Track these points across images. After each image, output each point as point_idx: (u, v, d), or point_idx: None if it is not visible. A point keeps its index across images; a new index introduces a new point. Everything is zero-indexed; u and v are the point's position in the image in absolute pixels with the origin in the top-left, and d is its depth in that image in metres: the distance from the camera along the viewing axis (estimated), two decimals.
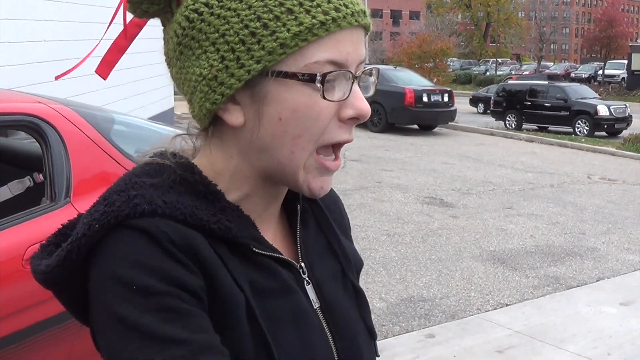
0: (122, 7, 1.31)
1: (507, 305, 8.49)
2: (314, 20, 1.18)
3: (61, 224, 1.33)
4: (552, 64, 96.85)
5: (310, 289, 1.37)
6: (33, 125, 4.37)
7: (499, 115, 33.67)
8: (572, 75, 79.60)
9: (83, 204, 4.17)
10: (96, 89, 9.47)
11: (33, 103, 4.61)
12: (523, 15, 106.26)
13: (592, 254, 10.87)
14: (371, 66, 1.32)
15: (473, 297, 8.65)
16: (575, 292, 9.12)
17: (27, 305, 3.98)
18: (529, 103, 32.70)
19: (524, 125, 32.59)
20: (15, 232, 4.08)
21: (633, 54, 61.58)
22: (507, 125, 32.72)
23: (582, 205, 14.42)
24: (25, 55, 8.60)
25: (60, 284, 1.23)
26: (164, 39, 1.32)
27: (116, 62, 1.37)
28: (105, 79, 1.37)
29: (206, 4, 1.22)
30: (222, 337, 1.16)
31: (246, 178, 1.30)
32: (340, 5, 1.21)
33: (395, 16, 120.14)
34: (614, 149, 24.21)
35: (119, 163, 4.59)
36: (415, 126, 26.73)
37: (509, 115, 33.23)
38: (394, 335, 7.28)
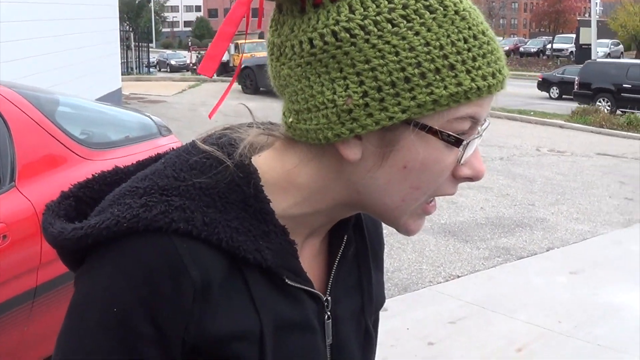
0: None
1: (458, 276, 8.55)
2: (472, 84, 1.10)
3: (92, 174, 1.27)
4: (502, 38, 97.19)
5: (328, 325, 1.31)
6: None
7: (587, 99, 29.93)
8: (521, 49, 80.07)
9: (29, 188, 4.12)
10: (41, 71, 9.37)
11: None
12: None
13: (542, 225, 10.98)
14: (489, 122, 1.23)
15: (425, 270, 8.69)
16: (526, 262, 9.21)
17: None
18: (629, 86, 29.24)
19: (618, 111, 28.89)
20: None
21: (581, 28, 62.00)
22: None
23: (531, 177, 14.55)
24: None
25: (64, 247, 1.17)
26: (284, 32, 1.17)
27: (223, 53, 1.22)
28: (211, 77, 1.22)
29: (362, 28, 1.08)
30: None
31: (331, 201, 1.22)
32: (496, 70, 1.14)
33: None
34: (562, 122, 24.46)
35: (64, 145, 4.53)
36: None
37: (601, 99, 30.17)
38: None
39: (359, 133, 1.11)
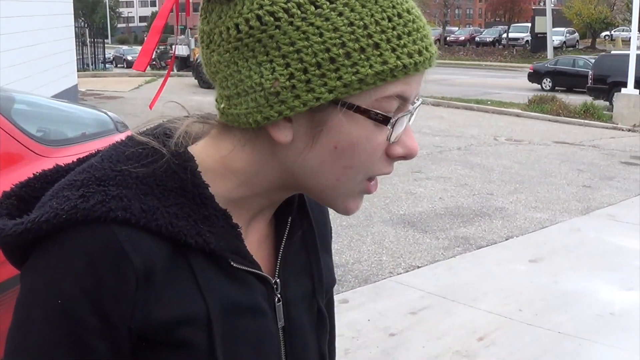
0: None
1: (418, 267, 8.55)
2: (398, 62, 1.10)
3: (33, 173, 1.26)
4: (457, 28, 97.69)
5: (279, 307, 1.31)
6: None
7: (603, 94, 28.35)
8: (477, 39, 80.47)
9: None
10: (4, 66, 9.27)
11: None
12: None
13: (501, 214, 11.03)
14: (421, 100, 1.24)
15: (385, 261, 8.69)
16: (485, 252, 9.25)
17: None
18: None
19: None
20: None
21: (536, 17, 62.53)
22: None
23: (489, 167, 14.62)
24: None
25: (8, 244, 1.16)
26: (212, 19, 1.18)
27: (155, 47, 1.26)
28: (144, 71, 1.24)
29: (286, 11, 1.09)
30: (169, 354, 1.14)
31: (267, 184, 1.23)
32: (423, 48, 1.14)
33: None
34: (519, 111, 24.66)
35: (21, 143, 4.48)
36: None
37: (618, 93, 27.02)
38: None
39: (287, 115, 1.12)
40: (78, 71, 19.82)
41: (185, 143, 1.22)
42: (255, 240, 1.31)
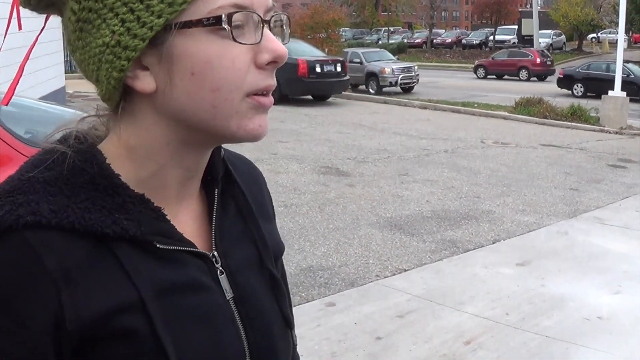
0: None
1: (405, 270, 8.53)
2: None
3: None
4: (444, 31, 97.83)
5: (223, 279, 1.31)
6: None
7: None
8: (464, 41, 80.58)
9: None
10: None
11: None
12: None
13: (488, 217, 11.02)
14: (280, 13, 1.25)
15: (372, 264, 8.66)
16: (472, 255, 9.23)
17: None
18: None
19: None
20: None
21: (523, 20, 62.88)
22: None
23: (476, 169, 14.61)
24: None
25: None
26: (64, 26, 1.24)
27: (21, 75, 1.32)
28: (6, 105, 1.26)
29: None
30: (116, 346, 1.15)
31: (163, 146, 1.23)
32: None
33: None
34: (506, 113, 24.66)
35: (9, 145, 4.48)
36: (309, 97, 26.87)
37: None
38: (294, 306, 7.17)
39: (134, 56, 1.15)
40: (66, 73, 19.73)
41: (92, 140, 1.25)
42: (188, 219, 1.32)
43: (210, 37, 1.14)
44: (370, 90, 32.25)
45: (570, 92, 35.36)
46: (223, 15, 1.13)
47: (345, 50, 37.09)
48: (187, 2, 1.12)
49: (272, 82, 1.21)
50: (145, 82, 1.17)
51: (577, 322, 7.01)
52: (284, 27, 1.27)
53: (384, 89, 32.12)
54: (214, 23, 1.13)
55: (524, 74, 46.13)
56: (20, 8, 1.29)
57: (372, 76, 32.56)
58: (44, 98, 12.63)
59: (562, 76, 37.01)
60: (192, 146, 1.25)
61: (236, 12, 1.14)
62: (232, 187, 1.41)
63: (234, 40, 1.14)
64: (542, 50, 51.51)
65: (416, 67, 34.48)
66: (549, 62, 47.61)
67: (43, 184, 1.17)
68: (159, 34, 1.14)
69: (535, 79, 45.98)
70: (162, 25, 1.13)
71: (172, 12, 1.12)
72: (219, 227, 1.35)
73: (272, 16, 1.21)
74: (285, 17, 1.27)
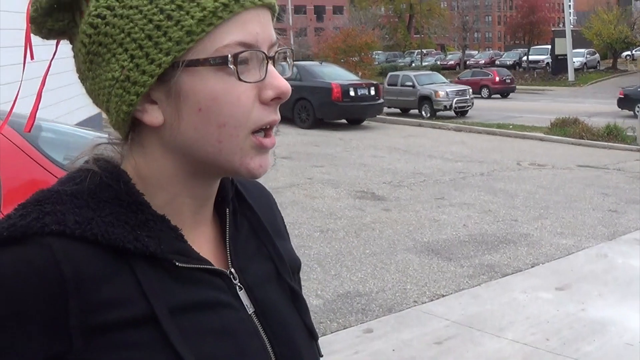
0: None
1: (443, 296, 8.47)
2: (216, 4, 1.16)
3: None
4: (477, 52, 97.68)
5: (243, 294, 1.34)
6: None
7: None
8: (497, 62, 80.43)
9: None
10: (21, 96, 9.28)
11: None
12: (445, 5, 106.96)
13: (526, 240, 10.92)
14: (284, 47, 1.29)
15: (409, 290, 8.61)
16: (511, 279, 9.14)
17: None
18: None
19: None
20: None
21: (556, 39, 62.55)
22: None
23: (513, 192, 14.51)
24: None
25: None
26: (74, 55, 1.29)
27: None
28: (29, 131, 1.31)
29: (108, 7, 1.19)
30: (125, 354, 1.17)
31: (173, 177, 1.27)
32: None
33: (319, 11, 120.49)
34: (541, 134, 24.53)
35: (48, 171, 4.57)
36: (344, 120, 26.88)
37: None
38: (332, 332, 7.21)
39: (142, 92, 1.18)
40: None
41: (117, 163, 1.29)
42: (203, 242, 1.35)
43: (217, 74, 1.18)
44: (424, 114, 31.86)
45: (632, 112, 32.52)
46: (229, 56, 1.17)
47: (396, 73, 36.78)
48: (194, 41, 1.16)
49: (276, 117, 1.26)
50: (153, 115, 1.21)
51: (618, 348, 6.92)
52: (288, 59, 1.32)
53: (438, 113, 31.71)
54: (220, 62, 1.17)
55: (485, 92, 48.20)
56: (32, 36, 1.31)
57: (425, 100, 32.17)
58: (80, 124, 12.77)
59: (622, 96, 34.93)
60: (200, 177, 1.29)
61: (242, 52, 1.18)
62: (244, 206, 1.46)
63: (239, 79, 1.18)
64: (502, 70, 53.87)
65: (470, 90, 33.92)
66: (508, 80, 49.80)
67: (70, 196, 1.21)
68: (167, 70, 1.18)
69: (498, 96, 48.67)
70: (170, 63, 1.17)
71: (179, 50, 1.16)
72: (234, 245, 1.39)
73: (276, 51, 1.26)
74: (289, 50, 1.31)
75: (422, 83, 33.01)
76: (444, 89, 32.54)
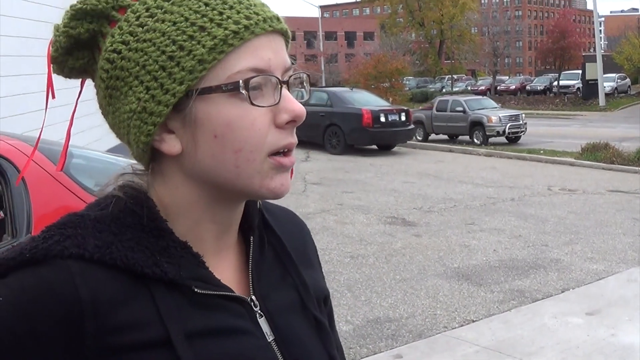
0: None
1: (473, 321, 8.48)
2: (226, 32, 1.20)
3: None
4: (508, 77, 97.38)
5: (263, 322, 1.34)
6: None
7: None
8: (528, 88, 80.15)
9: None
10: (51, 123, 9.39)
11: None
12: (476, 30, 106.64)
13: (556, 266, 10.90)
14: (300, 72, 1.32)
15: (439, 315, 8.62)
16: (541, 305, 9.12)
17: None
18: None
19: None
20: None
21: (587, 64, 62.21)
22: None
23: (543, 217, 14.48)
24: None
25: None
26: (96, 92, 1.33)
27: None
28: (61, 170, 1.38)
29: (123, 42, 1.23)
30: None
31: (194, 204, 1.30)
32: (250, 13, 1.23)
33: (350, 37, 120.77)
34: (572, 159, 24.35)
35: (78, 197, 4.59)
36: (374, 146, 26.91)
37: None
38: (361, 358, 7.23)
39: (159, 122, 1.22)
40: None
41: (144, 190, 1.32)
42: (226, 268, 1.36)
43: (231, 100, 1.21)
44: (475, 140, 30.79)
45: None
46: (240, 82, 1.20)
47: (445, 98, 35.49)
48: (206, 69, 1.20)
49: (293, 140, 1.28)
50: (171, 144, 1.25)
51: None
52: (305, 84, 1.34)
53: (490, 139, 30.62)
54: (232, 89, 1.20)
55: None
56: (53, 75, 1.35)
57: (477, 125, 31.03)
58: (111, 150, 12.84)
59: None
60: (222, 202, 1.31)
61: (254, 77, 1.21)
62: (270, 234, 1.47)
63: (252, 103, 1.21)
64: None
65: (523, 115, 32.58)
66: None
67: (93, 221, 1.25)
68: (181, 99, 1.21)
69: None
70: (184, 92, 1.20)
71: (192, 78, 1.20)
72: (257, 272, 1.40)
73: (291, 75, 1.28)
74: (305, 75, 1.33)
75: (472, 108, 31.73)
76: (496, 114, 31.44)
